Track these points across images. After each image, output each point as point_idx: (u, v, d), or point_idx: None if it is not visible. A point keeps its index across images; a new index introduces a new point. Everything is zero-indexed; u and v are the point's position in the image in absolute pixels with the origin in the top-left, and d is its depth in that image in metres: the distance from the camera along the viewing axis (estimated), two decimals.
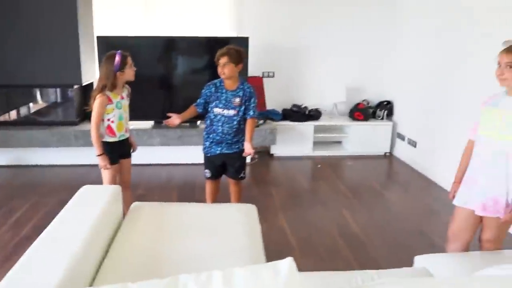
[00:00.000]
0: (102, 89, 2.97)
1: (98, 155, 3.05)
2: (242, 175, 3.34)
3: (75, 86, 4.78)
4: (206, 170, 3.33)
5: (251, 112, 3.16)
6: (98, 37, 4.72)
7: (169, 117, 3.22)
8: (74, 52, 4.64)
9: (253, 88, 3.21)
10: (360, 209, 3.97)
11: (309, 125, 5.45)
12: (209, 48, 4.94)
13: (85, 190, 2.56)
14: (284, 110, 5.56)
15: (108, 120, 3.05)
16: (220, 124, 3.14)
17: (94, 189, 2.59)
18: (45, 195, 4.11)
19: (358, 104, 5.67)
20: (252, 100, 3.17)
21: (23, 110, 5.15)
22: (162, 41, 4.93)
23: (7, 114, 4.99)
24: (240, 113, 3.15)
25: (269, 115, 5.37)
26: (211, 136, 3.21)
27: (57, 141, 4.69)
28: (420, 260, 2.25)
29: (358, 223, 3.66)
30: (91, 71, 5.06)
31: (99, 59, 4.72)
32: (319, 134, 5.55)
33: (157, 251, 2.17)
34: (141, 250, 2.18)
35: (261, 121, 5.08)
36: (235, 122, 3.14)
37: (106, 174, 3.14)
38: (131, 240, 2.29)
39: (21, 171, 4.81)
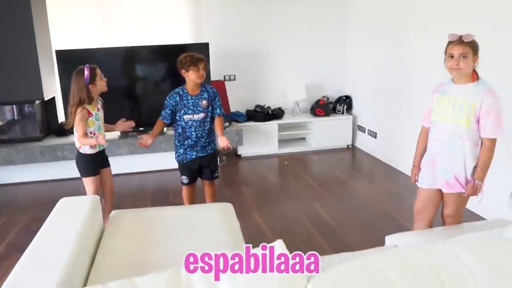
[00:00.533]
0: (79, 103, 3.01)
1: (94, 144, 3.13)
2: (216, 174, 3.45)
3: (37, 101, 4.73)
4: (183, 177, 3.39)
5: (217, 111, 3.29)
6: (56, 51, 4.68)
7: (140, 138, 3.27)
8: (34, 68, 4.59)
9: (215, 88, 3.34)
10: (329, 199, 4.15)
11: (273, 124, 5.60)
12: (170, 55, 5.00)
13: (64, 203, 2.58)
14: (248, 111, 5.69)
15: (90, 133, 3.11)
16: (193, 129, 3.22)
17: (73, 201, 2.61)
18: (16, 213, 4.05)
19: (318, 100, 5.87)
20: (217, 99, 3.30)
21: None
22: (122, 51, 4.93)
23: None
24: (209, 114, 3.26)
25: (233, 117, 5.48)
26: (185, 142, 3.26)
27: (22, 158, 4.62)
28: (390, 240, 2.42)
29: (329, 212, 3.84)
30: (52, 86, 5.01)
31: (59, 73, 4.70)
32: (284, 132, 5.72)
33: (143, 254, 2.24)
34: (127, 255, 2.24)
35: (227, 124, 5.19)
36: (206, 124, 3.25)
37: (89, 186, 3.22)
38: (116, 246, 2.34)
39: None
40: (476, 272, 1.19)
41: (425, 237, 2.28)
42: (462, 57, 2.30)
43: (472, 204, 2.79)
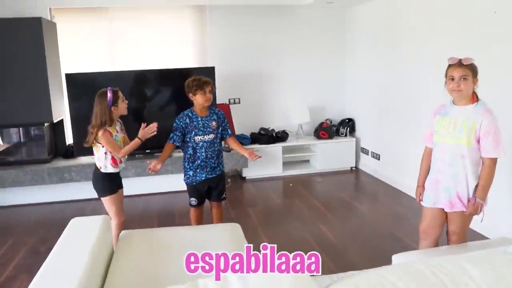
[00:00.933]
0: (101, 124, 3.05)
1: (140, 139, 3.16)
2: (224, 195, 3.51)
3: (46, 124, 4.82)
4: (192, 199, 3.43)
5: (229, 131, 3.41)
6: (66, 75, 4.79)
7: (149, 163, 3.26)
8: (44, 91, 4.70)
9: (222, 111, 3.44)
10: (334, 220, 4.19)
11: (277, 147, 5.67)
12: (176, 79, 5.11)
13: (76, 222, 2.63)
14: (253, 134, 5.77)
15: (111, 152, 3.15)
16: (203, 150, 3.27)
17: (84, 221, 2.66)
18: (23, 234, 4.08)
19: (322, 123, 5.96)
20: (226, 121, 3.41)
21: None
22: (129, 75, 5.04)
23: None
24: (218, 135, 3.34)
25: (238, 140, 5.53)
26: (195, 163, 3.31)
27: (30, 180, 4.68)
28: (397, 259, 2.46)
29: (334, 233, 3.87)
30: (60, 108, 5.12)
31: (68, 95, 4.81)
32: (288, 154, 5.79)
33: (154, 272, 2.28)
34: (138, 272, 2.29)
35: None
36: (216, 145, 3.32)
37: (110, 204, 3.23)
38: (127, 264, 2.38)
39: None
40: (482, 284, 1.24)
41: (431, 255, 2.32)
42: (462, 79, 2.39)
43: (475, 223, 2.83)
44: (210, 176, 3.36)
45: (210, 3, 5.52)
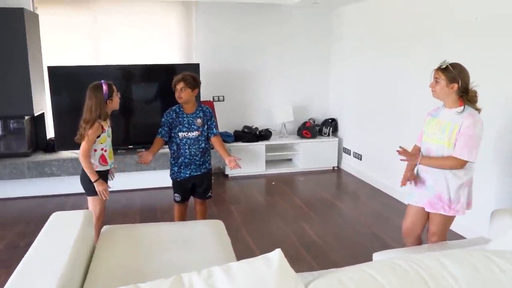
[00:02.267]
0: (97, 118, 2.98)
1: (95, 181, 3.02)
2: (209, 194, 3.51)
3: (27, 117, 4.74)
4: (176, 194, 3.42)
5: (214, 130, 3.37)
6: (48, 67, 4.72)
7: (140, 156, 3.26)
8: (25, 83, 4.62)
9: (210, 109, 3.41)
10: (316, 219, 4.23)
11: (260, 145, 5.69)
12: (162, 75, 5.10)
13: (57, 216, 2.59)
14: (236, 132, 5.78)
15: (102, 149, 3.09)
16: (187, 147, 3.27)
17: (65, 215, 2.63)
18: (1, 229, 4.01)
19: (305, 122, 6.00)
20: (212, 119, 3.38)
21: None
22: (113, 69, 4.99)
23: None
24: (204, 133, 3.32)
25: (222, 138, 5.54)
26: (179, 160, 3.31)
27: (9, 174, 4.60)
28: (377, 256, 2.49)
29: (315, 231, 3.91)
30: (41, 102, 5.04)
31: (50, 88, 4.74)
32: (271, 153, 5.81)
33: (136, 267, 2.27)
34: (121, 268, 2.27)
35: None
36: (201, 143, 3.30)
37: (97, 204, 3.13)
38: (109, 260, 2.36)
39: None
40: (460, 279, 1.27)
41: (411, 253, 2.37)
42: (435, 81, 2.54)
43: (455, 225, 2.90)
44: (195, 173, 3.35)
45: None
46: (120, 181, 4.96)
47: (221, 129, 5.70)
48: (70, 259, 2.04)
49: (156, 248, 2.49)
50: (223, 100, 5.89)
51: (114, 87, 3.08)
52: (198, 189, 3.43)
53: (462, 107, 2.51)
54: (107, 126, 3.10)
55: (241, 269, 1.29)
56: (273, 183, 5.44)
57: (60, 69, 4.76)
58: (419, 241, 2.82)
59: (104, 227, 2.84)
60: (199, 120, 3.29)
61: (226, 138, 5.57)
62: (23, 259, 2.06)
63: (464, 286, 1.28)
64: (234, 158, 3.25)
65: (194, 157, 3.30)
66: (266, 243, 3.68)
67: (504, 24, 3.30)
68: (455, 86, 2.49)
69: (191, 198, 3.51)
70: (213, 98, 5.80)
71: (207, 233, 2.71)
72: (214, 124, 3.38)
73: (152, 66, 5.14)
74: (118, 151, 4.82)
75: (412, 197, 2.79)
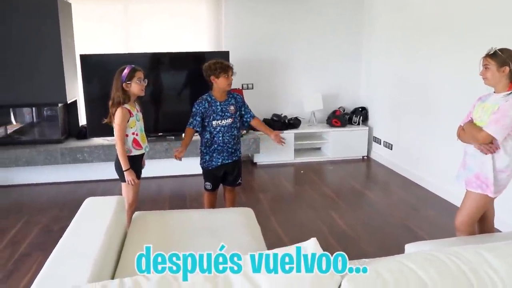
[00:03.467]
0: (119, 102, 3.00)
1: (126, 170, 3.07)
2: (239, 181, 3.53)
3: (60, 104, 4.84)
4: (207, 183, 3.43)
5: (251, 113, 3.42)
6: (81, 55, 4.80)
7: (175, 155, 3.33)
8: (58, 71, 4.71)
9: (241, 95, 3.43)
10: (345, 209, 4.18)
11: (289, 133, 5.65)
12: (191, 62, 5.10)
13: (90, 202, 2.64)
14: (265, 120, 5.74)
15: (133, 133, 3.10)
16: (220, 134, 3.27)
17: (99, 201, 2.67)
18: (36, 213, 4.13)
19: (335, 111, 5.92)
20: (245, 104, 3.42)
21: (1, 131, 5.16)
22: (143, 57, 5.03)
23: None
24: (236, 120, 3.33)
25: (251, 126, 5.53)
26: (211, 148, 3.31)
27: (43, 160, 4.72)
28: (410, 248, 2.44)
29: (345, 221, 3.87)
30: (74, 89, 5.13)
31: (83, 76, 4.81)
32: (300, 141, 5.77)
33: (167, 253, 2.29)
34: (152, 253, 2.30)
35: (244, 132, 5.26)
36: (233, 130, 3.32)
37: (130, 190, 3.16)
38: (141, 245, 2.39)
39: (8, 191, 4.80)
40: (502, 273, 1.23)
41: (444, 245, 2.30)
42: (485, 68, 2.53)
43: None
44: (227, 161, 3.35)
45: None
46: (150, 168, 5.04)
47: None
48: (104, 244, 2.07)
49: (186, 235, 2.51)
50: (252, 88, 5.86)
51: (138, 73, 3.02)
52: (228, 177, 3.44)
53: (510, 91, 2.50)
54: (134, 110, 3.10)
55: (275, 257, 1.27)
56: (302, 171, 5.40)
57: (92, 57, 4.83)
58: (474, 231, 2.76)
59: (136, 213, 2.88)
60: (232, 107, 3.29)
61: None
62: (58, 243, 2.10)
63: (505, 278, 1.23)
64: (279, 133, 3.34)
65: (227, 144, 3.30)
66: (295, 232, 3.67)
67: None
68: (507, 69, 2.48)
69: (220, 186, 3.52)
70: (242, 86, 5.77)
71: (237, 221, 2.71)
72: (248, 108, 3.41)
73: (182, 54, 5.14)
74: (148, 138, 4.85)
75: (459, 177, 2.80)
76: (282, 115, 5.80)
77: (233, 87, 5.36)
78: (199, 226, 2.63)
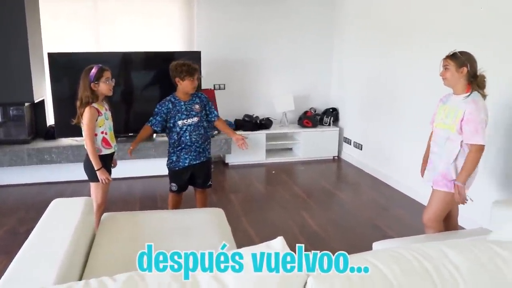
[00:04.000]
0: (88, 102, 2.99)
1: (98, 169, 3.05)
2: (209, 183, 3.49)
3: (27, 104, 4.72)
4: (173, 184, 3.40)
5: (215, 113, 3.39)
6: (48, 54, 4.68)
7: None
8: (25, 70, 4.59)
9: (205, 95, 3.41)
10: (316, 209, 4.23)
11: (261, 134, 5.68)
12: (161, 62, 5.05)
13: (57, 203, 2.59)
14: (237, 120, 5.76)
15: (102, 132, 3.09)
16: (187, 134, 3.24)
17: (66, 202, 2.62)
18: (1, 215, 4.02)
19: (306, 112, 5.98)
20: (210, 104, 3.38)
21: None
22: (113, 56, 4.95)
23: None
24: (203, 119, 3.31)
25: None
26: (179, 148, 3.28)
27: (9, 160, 4.59)
28: (377, 246, 2.50)
29: (316, 221, 3.92)
30: (41, 88, 5.01)
31: (51, 75, 4.71)
32: (271, 142, 5.80)
33: (137, 254, 2.27)
34: (121, 255, 2.27)
35: (216, 132, 5.25)
36: (201, 129, 3.29)
37: (99, 190, 3.15)
38: (109, 246, 2.37)
39: None
40: (462, 269, 1.27)
41: (411, 243, 2.36)
42: (444, 69, 2.65)
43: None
44: (194, 162, 3.32)
45: None
46: (121, 169, 4.97)
47: (222, 117, 5.62)
48: (71, 246, 2.04)
49: (156, 235, 2.49)
50: (224, 89, 5.86)
51: (106, 73, 3.03)
52: (197, 179, 3.41)
53: (469, 93, 2.61)
54: (103, 109, 3.09)
55: (243, 255, 1.28)
56: (273, 172, 5.43)
57: (60, 56, 4.72)
58: (441, 228, 2.83)
59: (104, 214, 2.84)
60: (197, 106, 3.28)
61: None
62: (24, 245, 2.06)
63: (466, 275, 1.28)
64: (242, 137, 3.30)
65: (195, 144, 3.28)
66: (266, 231, 3.69)
67: (510, 14, 3.27)
68: (465, 70, 2.59)
69: (191, 188, 3.50)
70: (214, 86, 5.76)
71: (208, 221, 2.71)
72: (213, 108, 3.39)
73: (153, 53, 5.10)
74: (119, 138, 4.79)
75: (425, 177, 2.94)
76: (254, 116, 5.82)
77: (205, 87, 5.41)
78: (169, 226, 2.62)
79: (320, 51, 6.09)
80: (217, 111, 3.44)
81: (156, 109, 3.27)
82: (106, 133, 3.11)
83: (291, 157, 5.93)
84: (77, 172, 4.35)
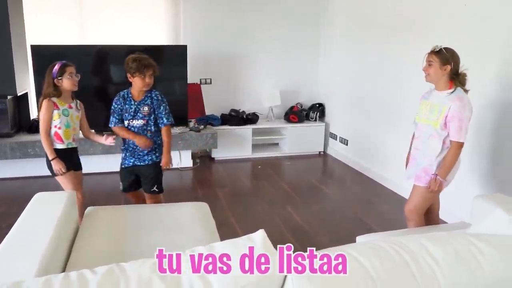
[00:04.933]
0: (47, 96, 3.03)
1: (52, 159, 3.05)
2: (155, 188, 3.18)
3: (9, 97, 4.65)
4: (120, 183, 3.28)
5: (164, 120, 3.06)
6: (32, 46, 4.62)
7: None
8: (7, 62, 4.53)
9: (161, 95, 3.10)
10: (302, 203, 4.25)
11: (247, 129, 5.68)
12: (149, 56, 5.01)
13: (39, 197, 2.56)
14: (223, 115, 5.75)
15: (55, 126, 3.07)
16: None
17: (49, 195, 2.60)
18: None
19: (292, 107, 6.00)
20: (162, 107, 3.05)
21: None
22: (97, 49, 4.90)
23: None
24: (151, 122, 3.06)
25: (208, 120, 5.52)
26: (125, 146, 3.17)
27: None
28: (361, 239, 2.52)
29: (301, 215, 3.94)
30: (25, 81, 4.95)
31: (34, 68, 4.65)
32: (258, 137, 5.80)
33: (120, 248, 2.27)
34: (104, 248, 2.27)
35: (202, 126, 5.24)
36: (146, 132, 3.07)
37: (67, 183, 3.15)
38: (93, 240, 2.35)
39: None
40: (441, 262, 1.29)
41: (393, 236, 2.39)
42: (428, 64, 2.65)
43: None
44: (139, 163, 3.14)
45: None
46: (106, 162, 4.96)
47: (208, 112, 5.67)
48: (52, 241, 2.02)
49: (140, 229, 2.49)
50: (210, 83, 5.84)
51: (69, 68, 3.04)
52: (143, 181, 3.20)
53: (452, 89, 2.63)
54: (64, 105, 3.08)
55: (224, 249, 1.29)
56: (259, 166, 5.44)
57: (43, 48, 4.66)
58: (423, 220, 2.86)
59: (88, 208, 2.82)
60: (145, 108, 3.03)
61: (213, 121, 5.54)
62: (4, 239, 2.03)
63: (444, 267, 1.30)
64: (169, 160, 3.11)
65: (138, 147, 3.08)
66: (251, 226, 3.69)
67: (494, 10, 3.30)
68: (448, 67, 2.61)
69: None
70: (200, 81, 5.75)
71: (192, 215, 2.71)
72: (164, 112, 3.05)
73: (137, 47, 5.01)
74: (104, 133, 4.75)
75: (406, 173, 2.95)
76: (240, 110, 5.82)
77: (191, 81, 5.39)
78: (153, 220, 2.62)
79: (307, 46, 6.10)
80: (168, 117, 3.09)
81: (112, 107, 3.12)
82: (59, 128, 3.07)
83: (277, 152, 5.95)
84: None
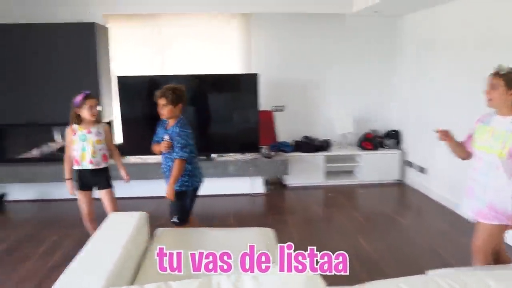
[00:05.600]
0: (70, 123, 3.41)
1: (66, 180, 3.55)
2: (173, 219, 3.26)
3: None
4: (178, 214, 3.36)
5: (174, 154, 3.13)
6: (118, 77, 5.01)
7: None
8: (95, 93, 4.91)
9: (180, 128, 3.12)
10: (374, 234, 4.09)
11: (320, 156, 5.63)
12: (221, 85, 5.20)
13: (113, 217, 2.74)
14: (296, 142, 5.76)
15: (74, 150, 3.43)
16: (162, 159, 3.28)
17: (122, 216, 2.77)
18: (71, 226, 4.28)
19: (366, 133, 5.86)
20: (177, 141, 3.11)
21: (45, 148, 5.44)
22: (176, 79, 5.16)
23: (29, 151, 5.30)
24: (172, 151, 3.15)
25: (280, 147, 5.56)
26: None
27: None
28: (430, 273, 2.36)
29: (372, 246, 3.78)
30: (110, 109, 5.34)
31: (120, 97, 5.01)
32: (331, 164, 5.72)
33: (185, 270, 2.33)
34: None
35: (273, 153, 5.29)
36: (168, 160, 3.20)
37: (81, 203, 3.60)
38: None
39: (46, 205, 5.03)
40: None
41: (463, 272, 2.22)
42: (491, 88, 2.43)
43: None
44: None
45: (256, 11, 5.55)
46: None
47: (281, 138, 5.72)
48: (121, 259, 2.14)
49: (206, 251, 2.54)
50: (283, 110, 5.90)
51: (89, 101, 3.34)
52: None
53: None
54: (83, 131, 3.40)
55: (269, 276, 1.28)
56: (330, 194, 5.34)
57: (127, 79, 5.04)
58: (490, 259, 2.59)
59: (158, 229, 2.95)
60: (166, 137, 3.16)
61: (284, 147, 5.58)
62: (77, 256, 2.19)
63: None
64: (172, 192, 3.14)
65: (165, 172, 3.27)
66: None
67: None
68: None
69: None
70: (273, 108, 5.82)
71: (255, 241, 2.72)
72: (178, 145, 3.10)
73: (213, 76, 5.26)
74: None
75: (464, 207, 2.68)
76: (313, 137, 5.79)
77: (263, 108, 5.48)
78: (219, 243, 2.67)
79: (381, 72, 5.98)
80: (179, 151, 3.12)
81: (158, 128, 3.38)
82: (76, 151, 3.44)
83: (351, 180, 5.81)
84: (139, 188, 4.57)
